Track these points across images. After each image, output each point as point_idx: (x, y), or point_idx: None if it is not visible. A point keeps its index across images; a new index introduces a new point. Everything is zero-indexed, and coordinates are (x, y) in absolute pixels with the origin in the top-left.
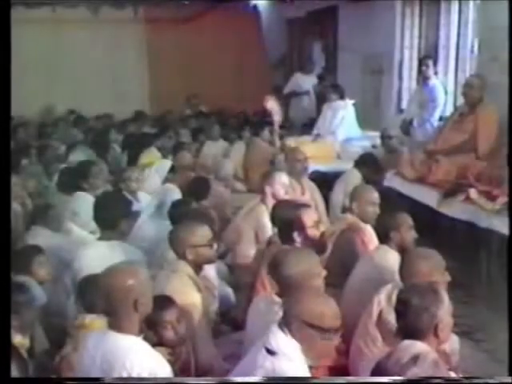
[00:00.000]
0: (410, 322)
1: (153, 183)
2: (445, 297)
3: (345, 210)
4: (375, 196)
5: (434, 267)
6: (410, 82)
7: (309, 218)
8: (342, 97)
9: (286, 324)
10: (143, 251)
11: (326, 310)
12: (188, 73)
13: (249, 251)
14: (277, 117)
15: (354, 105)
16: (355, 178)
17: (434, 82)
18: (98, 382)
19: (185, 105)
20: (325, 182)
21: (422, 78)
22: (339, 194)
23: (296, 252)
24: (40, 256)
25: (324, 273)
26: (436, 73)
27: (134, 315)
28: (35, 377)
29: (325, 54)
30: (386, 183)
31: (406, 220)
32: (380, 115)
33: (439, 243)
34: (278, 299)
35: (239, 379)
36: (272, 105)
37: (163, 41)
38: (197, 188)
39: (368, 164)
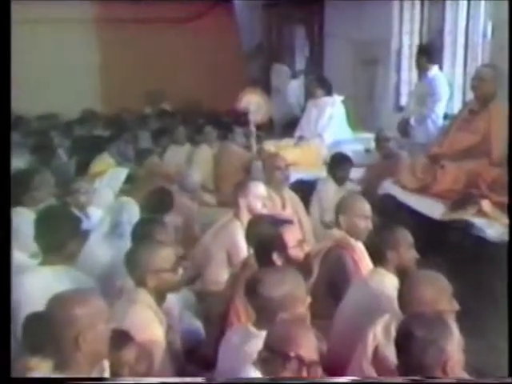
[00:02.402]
0: (413, 358)
1: (106, 196)
2: (454, 329)
3: (326, 225)
4: (366, 208)
5: (439, 293)
6: (409, 73)
7: (291, 235)
8: (329, 92)
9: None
10: (95, 278)
11: (301, 336)
12: (147, 65)
13: (220, 276)
14: (254, 116)
15: (343, 101)
16: (328, 187)
17: (435, 72)
18: (98, 382)
19: (144, 102)
20: (310, 193)
21: (420, 70)
22: (315, 209)
23: (278, 271)
24: None
25: (309, 300)
26: (438, 62)
27: (79, 354)
28: (35, 377)
29: (309, 42)
30: (382, 193)
31: (406, 237)
32: (375, 113)
33: (446, 264)
34: (254, 330)
35: (240, 380)
36: (248, 102)
37: (118, 34)
38: (158, 201)
39: (338, 164)
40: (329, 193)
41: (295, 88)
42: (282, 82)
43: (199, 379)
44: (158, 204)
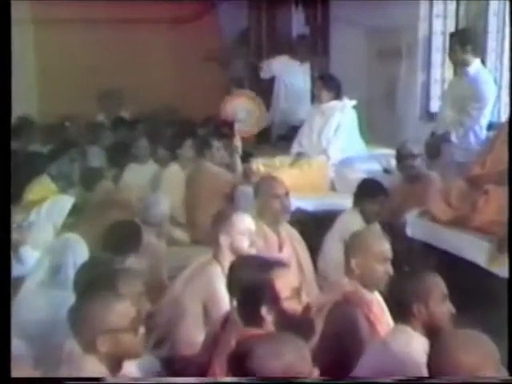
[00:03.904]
0: None
1: (44, 232)
2: None
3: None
4: (386, 248)
5: (482, 359)
6: (442, 70)
7: (285, 283)
8: (337, 95)
9: None
10: (28, 341)
11: None
12: (100, 66)
13: (194, 336)
14: (241, 126)
15: (355, 107)
16: (355, 223)
17: (477, 67)
18: (98, 382)
19: (95, 108)
20: (311, 226)
21: (457, 65)
22: (334, 249)
23: (273, 340)
24: None
25: (316, 372)
26: (481, 54)
27: None
28: (35, 377)
29: (310, 30)
30: (406, 227)
31: (438, 286)
32: (396, 122)
33: (491, 321)
34: None
35: (240, 380)
36: (234, 108)
37: (61, 34)
38: (121, 239)
39: (368, 194)
40: (355, 227)
41: (295, 88)
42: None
43: (199, 379)
44: (121, 243)
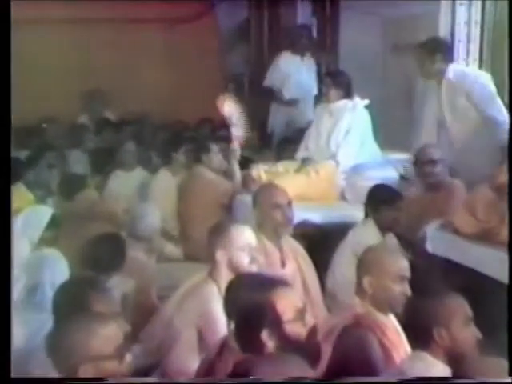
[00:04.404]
0: None
1: (19, 247)
2: None
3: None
4: (403, 265)
5: None
6: (466, 64)
7: (288, 303)
8: (347, 93)
9: None
10: None
11: None
12: (84, 65)
13: (188, 363)
14: (238, 129)
15: (368, 107)
16: (370, 235)
17: (458, 70)
18: (98, 381)
19: (78, 108)
20: (318, 240)
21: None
22: (345, 265)
23: (275, 357)
24: None
25: None
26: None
27: None
28: (35, 377)
29: (317, 20)
30: (426, 241)
31: (461, 308)
32: (415, 124)
33: None
34: None
35: (240, 380)
36: (230, 109)
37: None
38: (103, 254)
39: (382, 201)
40: (370, 241)
41: (300, 86)
42: (280, 77)
43: (199, 380)
44: (102, 259)
